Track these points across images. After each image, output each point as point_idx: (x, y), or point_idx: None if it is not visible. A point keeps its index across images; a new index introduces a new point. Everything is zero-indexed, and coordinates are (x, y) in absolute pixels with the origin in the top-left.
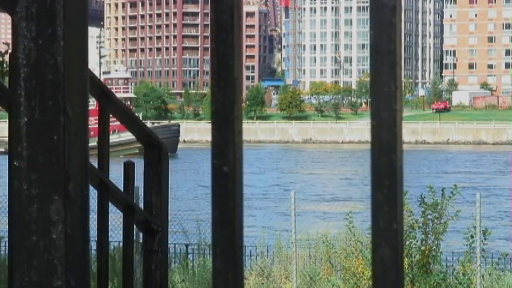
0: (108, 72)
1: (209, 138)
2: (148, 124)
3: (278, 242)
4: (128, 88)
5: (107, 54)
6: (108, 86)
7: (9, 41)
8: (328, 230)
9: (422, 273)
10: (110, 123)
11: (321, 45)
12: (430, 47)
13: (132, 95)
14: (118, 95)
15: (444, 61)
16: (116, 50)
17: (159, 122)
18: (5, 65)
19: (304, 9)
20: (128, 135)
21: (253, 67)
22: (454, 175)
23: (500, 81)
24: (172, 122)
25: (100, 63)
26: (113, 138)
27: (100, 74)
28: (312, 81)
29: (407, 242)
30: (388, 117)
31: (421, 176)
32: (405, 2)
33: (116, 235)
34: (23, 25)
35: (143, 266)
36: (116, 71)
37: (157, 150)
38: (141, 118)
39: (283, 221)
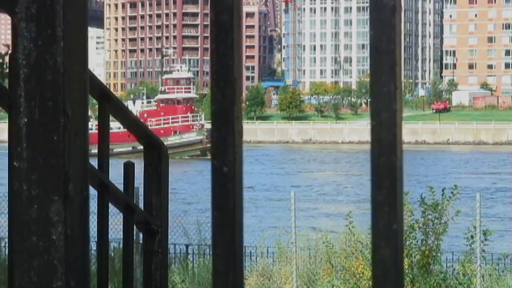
0: (170, 72)
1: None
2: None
3: (278, 243)
4: (189, 88)
5: (169, 54)
6: (170, 87)
7: (10, 42)
8: (328, 230)
9: (422, 274)
10: (172, 125)
11: (321, 46)
12: (430, 47)
13: (194, 95)
14: (179, 96)
15: (444, 61)
16: (116, 51)
17: None
18: (5, 67)
19: (304, 9)
20: (189, 137)
21: (253, 67)
22: (453, 175)
23: (500, 82)
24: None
25: (162, 63)
26: (175, 139)
27: (161, 73)
28: (312, 81)
29: (408, 242)
30: (388, 117)
31: (420, 176)
32: (405, 2)
33: (116, 236)
34: (22, 26)
35: (143, 266)
36: (178, 71)
37: (157, 151)
38: (203, 118)
39: (283, 221)
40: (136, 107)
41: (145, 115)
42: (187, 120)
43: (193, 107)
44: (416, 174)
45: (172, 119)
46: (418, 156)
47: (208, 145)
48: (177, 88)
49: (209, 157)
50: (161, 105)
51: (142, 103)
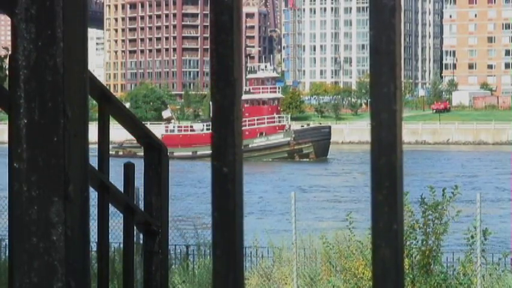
0: (254, 72)
1: None
2: (298, 126)
3: (272, 243)
4: (275, 88)
5: (253, 53)
6: (254, 86)
7: (9, 45)
8: (329, 230)
9: (422, 274)
10: (258, 126)
11: (321, 46)
12: (429, 48)
13: (280, 95)
14: (265, 96)
15: (444, 61)
16: (116, 52)
17: (308, 124)
18: (4, 69)
19: (304, 10)
20: (275, 139)
21: None
22: (453, 175)
23: (500, 82)
24: (322, 123)
25: (246, 65)
26: (261, 141)
27: (246, 73)
28: (312, 82)
29: (408, 243)
30: (387, 117)
31: (420, 176)
32: (405, 2)
33: (116, 236)
34: (22, 27)
35: (143, 267)
36: (263, 70)
37: (158, 152)
38: (289, 119)
39: (283, 222)
40: None
41: None
42: (274, 122)
43: (279, 108)
44: (416, 173)
45: (257, 120)
46: (418, 156)
47: (296, 147)
48: (263, 88)
49: (297, 159)
50: (246, 105)
51: None
